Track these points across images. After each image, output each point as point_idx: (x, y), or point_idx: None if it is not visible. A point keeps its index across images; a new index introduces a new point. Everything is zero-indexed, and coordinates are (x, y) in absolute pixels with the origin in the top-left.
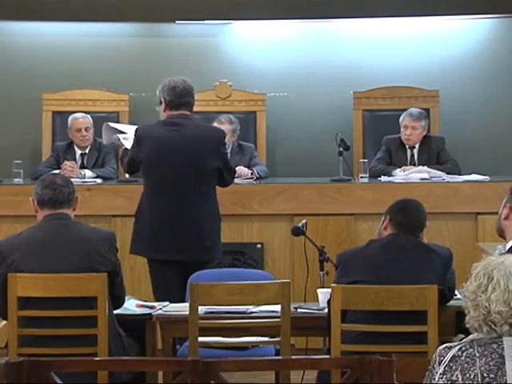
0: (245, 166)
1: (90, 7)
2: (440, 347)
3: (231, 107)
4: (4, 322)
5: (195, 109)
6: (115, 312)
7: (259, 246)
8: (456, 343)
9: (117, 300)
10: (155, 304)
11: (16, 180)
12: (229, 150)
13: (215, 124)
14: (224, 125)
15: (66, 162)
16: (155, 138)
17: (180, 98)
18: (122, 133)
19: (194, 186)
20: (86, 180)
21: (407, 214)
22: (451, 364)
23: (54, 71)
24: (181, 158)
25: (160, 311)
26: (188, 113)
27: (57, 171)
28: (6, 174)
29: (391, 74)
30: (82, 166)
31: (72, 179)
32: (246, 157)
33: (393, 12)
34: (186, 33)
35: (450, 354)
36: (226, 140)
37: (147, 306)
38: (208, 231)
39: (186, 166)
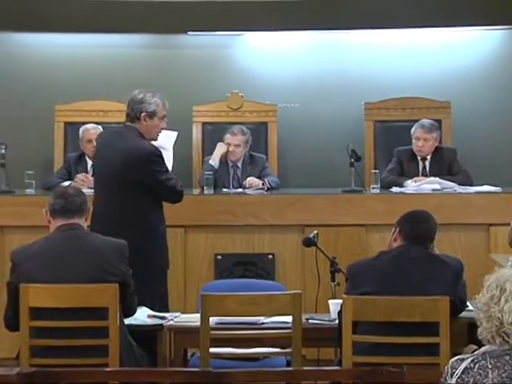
0: (256, 177)
1: (102, 18)
2: (452, 359)
3: (243, 118)
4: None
5: (207, 119)
6: (126, 322)
7: (270, 256)
8: (468, 355)
9: (128, 310)
10: (166, 314)
11: (28, 190)
12: (241, 161)
13: (228, 135)
14: (237, 136)
15: (77, 176)
16: (100, 144)
17: (126, 108)
18: None
19: (115, 196)
20: None
21: (417, 226)
22: (464, 376)
23: (66, 82)
24: (107, 169)
25: (171, 322)
26: (129, 123)
27: (68, 182)
28: (19, 185)
29: (403, 84)
30: None
31: (85, 190)
32: (257, 167)
33: (404, 23)
34: (197, 44)
35: (463, 365)
36: (238, 151)
37: (158, 317)
38: None
39: (111, 177)
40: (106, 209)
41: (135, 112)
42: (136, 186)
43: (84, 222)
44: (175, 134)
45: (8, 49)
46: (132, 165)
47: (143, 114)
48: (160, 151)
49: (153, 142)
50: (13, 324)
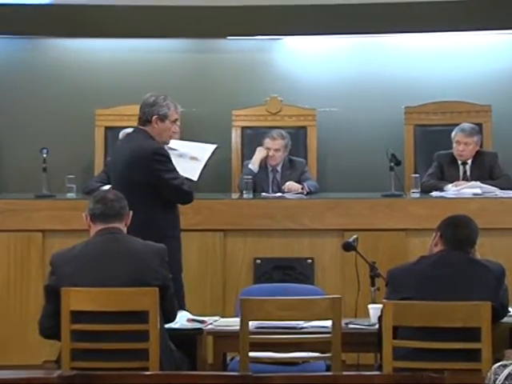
0: (295, 181)
1: (142, 24)
2: (495, 365)
3: (282, 122)
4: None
5: (246, 124)
6: (166, 326)
7: (310, 261)
8: (511, 361)
9: (168, 314)
10: (206, 318)
11: (69, 195)
12: (280, 166)
13: (267, 140)
14: (276, 140)
15: None
16: (114, 149)
17: (139, 111)
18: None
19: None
20: None
21: (458, 230)
22: (507, 382)
23: (107, 87)
24: (117, 170)
25: (211, 326)
26: (140, 126)
27: (107, 186)
28: (60, 189)
29: (443, 88)
30: None
31: None
32: (296, 172)
33: (444, 26)
34: (237, 48)
35: (506, 372)
36: (277, 155)
37: (198, 321)
38: None
39: (118, 178)
40: None
41: (147, 115)
42: (143, 187)
43: (124, 227)
44: (213, 147)
45: (50, 54)
46: (135, 164)
47: (155, 116)
48: (165, 150)
49: (188, 151)
50: (48, 328)
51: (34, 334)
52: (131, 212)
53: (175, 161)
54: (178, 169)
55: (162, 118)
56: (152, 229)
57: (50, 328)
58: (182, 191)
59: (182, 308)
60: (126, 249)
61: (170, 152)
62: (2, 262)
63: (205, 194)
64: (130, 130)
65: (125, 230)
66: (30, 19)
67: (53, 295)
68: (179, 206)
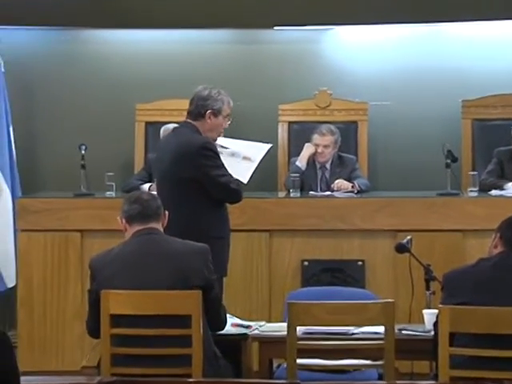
0: (345, 179)
1: (184, 14)
2: None
3: (331, 117)
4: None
5: (294, 118)
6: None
7: (360, 263)
8: None
9: (215, 320)
10: (251, 323)
11: (108, 193)
12: (329, 163)
13: (316, 135)
14: (326, 136)
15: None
16: (159, 145)
17: (189, 105)
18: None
19: (168, 196)
20: None
21: None
22: None
23: (148, 80)
24: (162, 166)
25: (256, 331)
26: (190, 120)
27: (148, 185)
28: (99, 187)
29: (503, 80)
30: None
31: None
32: (346, 169)
33: (505, 15)
34: (284, 39)
35: None
36: (327, 151)
37: (243, 326)
38: None
39: (164, 175)
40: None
41: (199, 109)
42: (189, 183)
43: (161, 227)
44: (268, 146)
45: (89, 46)
46: (182, 160)
47: (208, 111)
48: (213, 145)
49: (241, 149)
50: (95, 331)
51: (73, 337)
52: (167, 212)
53: (227, 160)
54: (228, 169)
55: (216, 112)
56: (196, 228)
57: (98, 330)
58: (230, 189)
59: None
60: (165, 249)
61: (222, 150)
62: (39, 263)
63: (250, 192)
64: (171, 126)
65: (162, 230)
66: (69, 9)
67: (95, 301)
68: (228, 205)
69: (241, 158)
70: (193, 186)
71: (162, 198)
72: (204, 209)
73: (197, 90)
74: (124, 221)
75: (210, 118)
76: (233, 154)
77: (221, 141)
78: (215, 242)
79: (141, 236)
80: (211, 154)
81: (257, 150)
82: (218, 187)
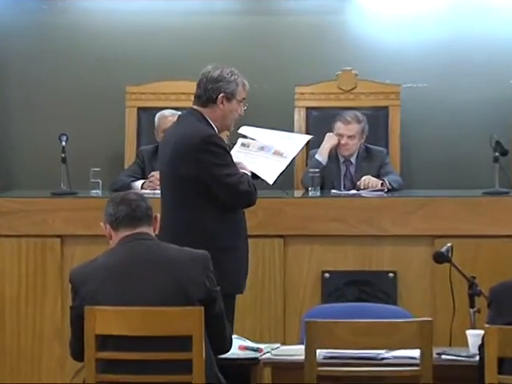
0: (373, 176)
1: None
2: None
3: (357, 102)
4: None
5: (312, 104)
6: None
7: (392, 275)
8: None
9: (219, 340)
10: (262, 346)
11: (94, 192)
12: (355, 156)
13: (339, 123)
14: (351, 124)
15: (153, 173)
16: (164, 134)
17: (196, 89)
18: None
19: (170, 196)
20: None
21: None
22: None
23: (141, 58)
24: (162, 162)
25: (268, 355)
26: (197, 107)
27: (141, 182)
28: (82, 185)
29: None
30: None
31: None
32: (375, 163)
33: None
34: (300, 10)
35: None
36: (352, 143)
37: (252, 349)
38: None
39: (165, 172)
40: (163, 213)
41: (210, 93)
42: (190, 183)
43: (152, 233)
44: (307, 138)
45: (70, 17)
46: (181, 154)
47: (221, 94)
48: (219, 138)
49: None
50: (80, 354)
51: (51, 359)
52: (158, 215)
53: (252, 155)
54: (254, 166)
55: (230, 96)
56: (200, 236)
57: (83, 352)
58: (239, 192)
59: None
60: (159, 257)
61: (248, 142)
62: (13, 272)
63: (261, 191)
64: (168, 112)
65: (153, 235)
66: None
67: (78, 319)
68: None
69: (271, 153)
70: (196, 187)
71: (163, 201)
72: (210, 213)
73: (205, 71)
74: (108, 226)
75: (222, 102)
76: (262, 148)
77: (247, 131)
78: (225, 253)
79: (130, 242)
80: (215, 150)
81: (293, 144)
82: (224, 189)
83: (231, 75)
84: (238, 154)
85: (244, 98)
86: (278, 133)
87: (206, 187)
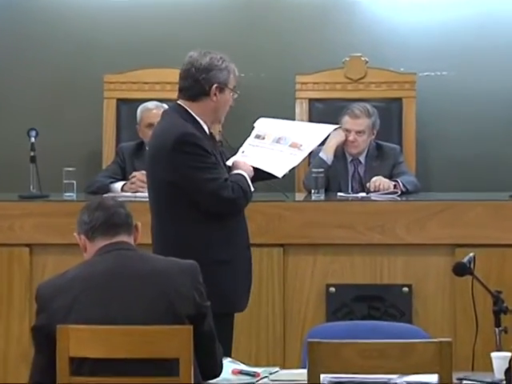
0: (386, 176)
1: None
2: None
3: (366, 92)
4: None
5: (316, 95)
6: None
7: (406, 289)
8: None
9: (209, 363)
10: (259, 370)
11: (67, 195)
12: (364, 154)
13: (346, 118)
14: (359, 119)
15: (134, 174)
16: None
17: (180, 80)
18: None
19: (153, 203)
20: None
21: None
22: None
23: (120, 44)
24: (146, 164)
25: (266, 380)
26: (182, 101)
27: (121, 184)
28: (54, 187)
29: None
30: None
31: (144, 194)
32: (387, 163)
33: None
34: None
35: None
36: (361, 140)
37: (247, 373)
38: None
39: (147, 177)
40: (151, 221)
41: (202, 84)
42: (170, 188)
43: (133, 243)
44: (330, 129)
45: None
46: (156, 158)
47: (215, 85)
48: (195, 137)
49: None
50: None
51: (16, 382)
52: (139, 224)
53: (267, 148)
54: (262, 158)
55: (223, 86)
56: (187, 248)
57: (48, 382)
58: (220, 199)
59: (226, 355)
60: (142, 269)
61: (265, 133)
62: None
63: (258, 193)
64: (151, 105)
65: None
66: None
67: (45, 341)
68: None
69: (287, 145)
70: (176, 193)
71: (150, 209)
72: (196, 222)
73: (191, 59)
74: (83, 236)
75: (215, 94)
76: (277, 140)
77: (265, 123)
78: (218, 266)
79: (108, 253)
80: (192, 150)
81: (313, 135)
82: (202, 195)
83: (222, 62)
84: (248, 147)
85: (235, 86)
86: (300, 123)
87: (186, 193)
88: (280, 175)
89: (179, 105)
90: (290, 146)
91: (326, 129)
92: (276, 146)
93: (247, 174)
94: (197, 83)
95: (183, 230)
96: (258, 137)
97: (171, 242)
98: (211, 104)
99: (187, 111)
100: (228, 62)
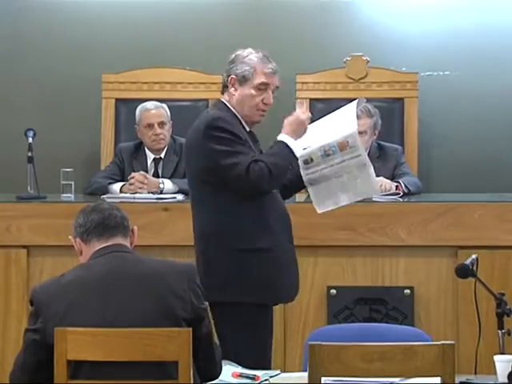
0: (387, 177)
1: None
2: None
3: (368, 92)
4: None
5: (317, 94)
6: None
7: (408, 291)
8: None
9: (208, 366)
10: (259, 373)
11: (65, 196)
12: (366, 152)
13: None
14: (361, 119)
15: (133, 175)
16: None
17: None
18: None
19: (191, 197)
20: (162, 196)
21: None
22: None
23: (119, 43)
24: (184, 155)
25: (266, 383)
26: (222, 96)
27: (119, 185)
28: (52, 188)
29: None
30: (156, 176)
31: (143, 196)
32: (389, 163)
33: None
34: None
35: None
36: (362, 140)
37: (247, 376)
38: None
39: (186, 168)
40: (193, 214)
41: (224, 77)
42: (204, 175)
43: (129, 245)
44: (354, 105)
45: None
46: (189, 147)
47: (231, 76)
48: (224, 121)
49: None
50: None
51: None
52: (136, 228)
53: (328, 168)
54: (343, 192)
55: (241, 79)
56: (219, 236)
57: None
58: (243, 180)
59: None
60: (139, 271)
61: (310, 155)
62: None
63: None
64: (151, 105)
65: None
66: None
67: (37, 344)
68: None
69: (339, 153)
70: (212, 179)
71: (190, 199)
72: (232, 210)
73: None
74: (78, 239)
75: (233, 86)
76: (325, 153)
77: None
78: (253, 255)
79: (104, 255)
80: (221, 136)
81: (346, 122)
82: (232, 180)
83: (247, 55)
84: (312, 177)
85: (264, 84)
86: (321, 121)
87: (219, 178)
88: (377, 192)
89: (218, 100)
90: (341, 150)
91: (351, 108)
92: (334, 161)
93: (292, 138)
94: (223, 77)
95: (219, 220)
96: (306, 163)
97: (208, 232)
98: (233, 97)
99: (224, 103)
100: (254, 56)
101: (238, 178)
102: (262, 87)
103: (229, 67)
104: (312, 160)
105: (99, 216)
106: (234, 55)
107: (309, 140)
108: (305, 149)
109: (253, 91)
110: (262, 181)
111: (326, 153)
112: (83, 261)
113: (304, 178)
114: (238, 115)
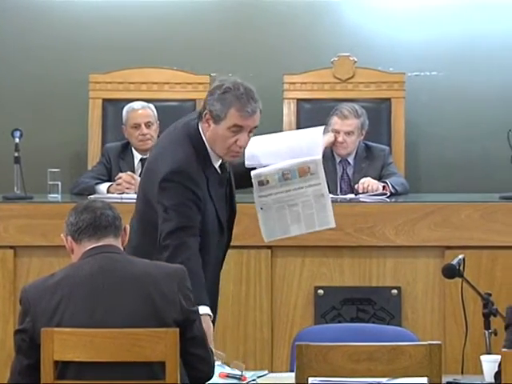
0: (374, 177)
1: None
2: None
3: (355, 92)
4: None
5: (304, 95)
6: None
7: (395, 291)
8: None
9: (200, 366)
10: (247, 374)
11: (52, 196)
12: (353, 155)
13: (335, 118)
14: (348, 119)
15: (120, 175)
16: None
17: None
18: None
19: (138, 204)
20: None
21: None
22: None
23: (106, 43)
24: (144, 169)
25: (253, 383)
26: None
27: (106, 185)
28: (39, 188)
29: None
30: None
31: (131, 196)
32: (376, 164)
33: None
34: None
35: None
36: (349, 140)
37: (235, 376)
38: None
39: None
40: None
41: (202, 107)
42: (150, 206)
43: (120, 246)
44: (320, 131)
45: None
46: (151, 175)
47: (205, 111)
48: (183, 175)
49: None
50: None
51: None
52: (128, 227)
53: (284, 194)
54: (293, 213)
55: (215, 117)
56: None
57: None
58: (161, 238)
59: None
60: (129, 272)
61: (266, 176)
62: None
63: (244, 195)
64: (138, 105)
65: (122, 249)
66: None
67: (28, 345)
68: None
69: (297, 178)
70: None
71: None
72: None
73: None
74: (70, 238)
75: (207, 122)
76: (284, 176)
77: (252, 158)
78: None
79: (94, 256)
80: (172, 186)
81: (311, 147)
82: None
83: (226, 91)
84: (262, 200)
85: (238, 126)
86: (283, 137)
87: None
88: (333, 224)
89: (194, 119)
90: (300, 176)
91: (317, 133)
92: (290, 187)
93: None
94: (202, 103)
95: (146, 244)
96: (261, 184)
97: (140, 248)
98: (207, 131)
99: (197, 131)
100: (234, 95)
101: (161, 232)
102: (235, 129)
103: (206, 98)
104: (268, 182)
105: (91, 215)
106: (215, 83)
107: (268, 156)
108: (264, 166)
109: (226, 132)
110: (166, 251)
111: (285, 176)
112: (74, 259)
113: (255, 201)
114: (209, 149)
